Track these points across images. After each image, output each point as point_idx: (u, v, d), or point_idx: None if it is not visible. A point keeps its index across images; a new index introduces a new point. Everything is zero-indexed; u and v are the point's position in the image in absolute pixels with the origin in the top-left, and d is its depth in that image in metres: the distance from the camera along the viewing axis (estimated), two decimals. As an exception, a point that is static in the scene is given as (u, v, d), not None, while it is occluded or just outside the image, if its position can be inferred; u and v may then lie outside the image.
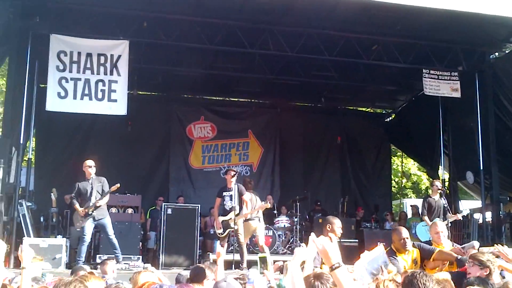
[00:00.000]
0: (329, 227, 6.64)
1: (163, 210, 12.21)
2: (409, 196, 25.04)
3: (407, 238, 6.44)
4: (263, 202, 11.21)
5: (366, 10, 11.68)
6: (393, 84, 16.06)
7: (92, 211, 10.08)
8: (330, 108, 18.29)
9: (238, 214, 10.71)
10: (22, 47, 11.53)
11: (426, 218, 11.46)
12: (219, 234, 10.99)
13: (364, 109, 19.87)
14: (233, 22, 12.40)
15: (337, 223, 6.69)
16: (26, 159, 12.93)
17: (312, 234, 3.60)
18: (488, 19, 11.31)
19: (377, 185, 18.62)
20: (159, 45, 13.09)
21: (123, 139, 15.79)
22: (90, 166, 10.43)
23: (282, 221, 13.56)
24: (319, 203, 15.51)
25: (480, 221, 14.15)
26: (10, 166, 11.22)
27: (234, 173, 11.07)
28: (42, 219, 12.69)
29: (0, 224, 10.61)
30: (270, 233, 12.83)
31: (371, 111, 20.02)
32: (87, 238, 10.19)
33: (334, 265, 3.20)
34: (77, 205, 10.23)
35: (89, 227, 10.15)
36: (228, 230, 10.78)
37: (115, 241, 10.23)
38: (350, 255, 6.77)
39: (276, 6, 11.77)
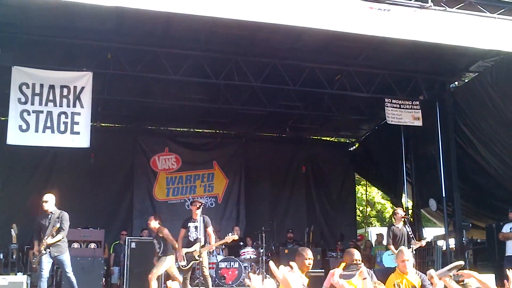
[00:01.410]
0: (298, 259, 6.51)
1: (127, 244, 11.97)
2: (373, 224, 25.22)
3: (359, 260, 6.42)
4: (230, 234, 11.10)
5: (329, 41, 11.82)
6: (357, 113, 16.21)
7: (45, 248, 9.75)
8: (295, 138, 18.40)
9: (203, 246, 10.55)
10: (-18, 80, 11.30)
11: (391, 247, 11.42)
12: (182, 266, 10.75)
13: (328, 138, 20.04)
14: (199, 52, 12.38)
15: (306, 255, 6.52)
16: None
17: (271, 263, 3.55)
18: (448, 49, 11.55)
19: (342, 213, 18.69)
20: (123, 76, 12.97)
21: (86, 172, 15.53)
22: (45, 201, 9.95)
23: (248, 252, 13.39)
24: (291, 230, 15.42)
25: (444, 248, 14.29)
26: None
27: (200, 204, 10.92)
28: (1, 255, 12.29)
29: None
30: (236, 265, 12.67)
31: (336, 140, 20.21)
32: (44, 273, 9.67)
33: None
34: (35, 242, 9.82)
35: (45, 262, 9.68)
36: (192, 262, 10.60)
37: (73, 279, 9.80)
38: (316, 285, 6.68)
39: (241, 37, 11.83)
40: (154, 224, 10.96)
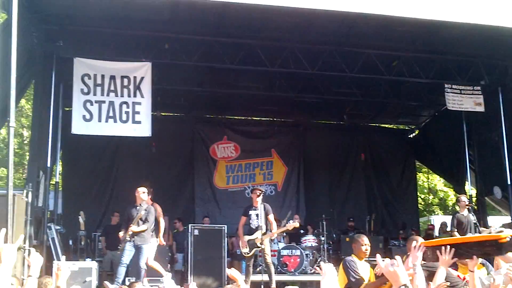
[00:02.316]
0: (354, 246, 6.53)
1: (190, 231, 12.19)
2: (436, 212, 24.77)
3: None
4: (291, 221, 11.17)
5: (386, 26, 11.65)
6: (416, 99, 15.98)
7: (130, 237, 10.14)
8: (353, 125, 18.25)
9: (265, 233, 10.66)
10: (47, 71, 11.71)
11: (456, 233, 11.23)
12: (244, 253, 10.90)
13: (387, 125, 19.79)
14: (254, 41, 12.47)
15: (361, 241, 6.52)
16: (54, 182, 13.06)
17: (378, 255, 3.58)
18: (510, 32, 11.21)
19: (403, 202, 18.44)
20: (181, 66, 13.22)
21: (147, 161, 15.89)
22: (139, 192, 10.45)
23: (309, 240, 13.47)
24: (351, 219, 15.39)
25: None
26: (38, 190, 11.32)
27: (260, 192, 11.04)
28: (70, 242, 12.75)
29: (30, 248, 10.66)
30: (297, 252, 12.72)
31: (395, 127, 19.93)
32: (124, 260, 10.15)
33: (401, 286, 3.15)
34: (123, 231, 10.33)
35: (127, 250, 10.15)
36: (254, 249, 10.72)
37: (142, 271, 10.18)
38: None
39: (296, 24, 11.82)
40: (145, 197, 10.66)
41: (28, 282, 4.16)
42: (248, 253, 10.80)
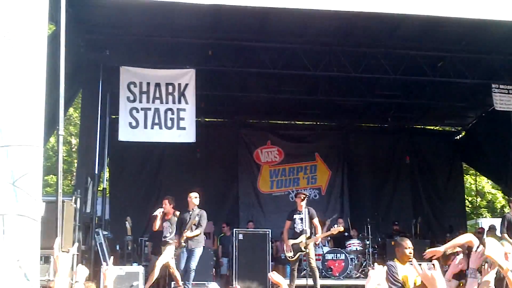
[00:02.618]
0: (398, 250, 6.44)
1: (234, 235, 12.25)
2: (484, 215, 24.25)
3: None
4: (336, 225, 11.12)
5: (429, 27, 11.51)
6: (462, 100, 15.69)
7: (185, 242, 10.26)
8: (397, 128, 18.04)
9: (309, 237, 10.63)
10: (94, 80, 11.94)
11: (505, 235, 10.96)
12: (289, 257, 10.89)
13: (432, 127, 19.50)
14: (296, 45, 12.45)
15: (405, 244, 6.43)
16: (101, 189, 13.28)
17: (414, 260, 3.54)
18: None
19: (450, 204, 18.14)
20: (224, 72, 13.32)
21: (192, 166, 16.04)
22: (191, 197, 10.63)
23: (354, 244, 13.37)
24: (396, 223, 15.22)
25: None
26: (86, 196, 11.53)
27: (304, 196, 11.01)
28: (117, 247, 12.95)
29: (79, 253, 10.87)
30: (342, 256, 12.65)
31: (440, 129, 19.61)
32: (181, 266, 10.33)
33: None
34: (176, 237, 10.47)
35: (182, 256, 10.34)
36: (299, 253, 10.70)
37: (192, 273, 10.24)
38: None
39: (338, 27, 11.78)
40: (168, 207, 10.76)
41: (55, 282, 4.25)
42: (292, 257, 10.78)
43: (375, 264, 3.88)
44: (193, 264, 10.22)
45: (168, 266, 10.52)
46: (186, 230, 10.20)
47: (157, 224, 10.55)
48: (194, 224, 10.32)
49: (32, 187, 7.00)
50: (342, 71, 13.11)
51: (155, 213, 10.57)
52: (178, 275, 10.36)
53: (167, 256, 10.45)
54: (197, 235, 10.28)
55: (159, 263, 10.40)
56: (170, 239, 10.53)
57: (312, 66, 12.79)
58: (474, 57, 13.08)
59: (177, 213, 10.67)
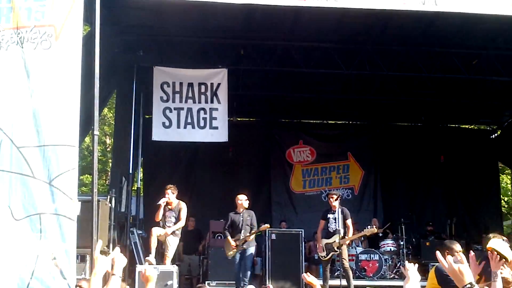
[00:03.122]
0: (447, 253, 6.33)
1: (267, 235, 12.25)
2: (520, 215, 23.82)
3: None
4: (369, 227, 11.06)
5: (464, 24, 11.35)
6: (497, 99, 15.43)
7: (242, 244, 10.34)
8: (431, 127, 17.82)
9: (342, 238, 10.58)
10: (128, 80, 12.10)
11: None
12: (321, 257, 10.89)
13: (467, 126, 19.22)
14: (328, 44, 12.42)
15: (456, 248, 6.33)
16: (135, 188, 13.42)
17: (437, 252, 3.51)
18: None
19: (486, 204, 17.82)
20: (256, 71, 13.34)
21: (225, 166, 16.09)
22: (241, 199, 10.71)
23: (388, 244, 13.21)
24: (431, 223, 15.04)
25: None
26: (121, 196, 11.68)
27: (337, 196, 10.99)
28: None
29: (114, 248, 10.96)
30: (376, 257, 12.52)
31: (475, 128, 19.32)
32: (237, 267, 10.51)
33: (466, 285, 3.07)
34: (229, 237, 10.53)
35: (237, 257, 10.49)
36: (332, 253, 10.68)
37: (249, 273, 10.43)
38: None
39: (371, 26, 11.69)
40: (172, 197, 10.57)
41: (112, 280, 4.26)
42: (325, 257, 10.77)
43: (406, 262, 3.85)
44: (249, 263, 10.45)
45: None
46: (242, 234, 10.33)
47: (160, 214, 10.39)
48: (247, 225, 10.43)
49: (68, 187, 7.15)
50: (375, 70, 13.01)
51: (159, 202, 10.44)
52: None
53: (173, 248, 10.39)
54: (253, 234, 10.46)
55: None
56: (174, 228, 10.37)
57: (344, 65, 12.74)
58: (510, 55, 12.84)
59: (182, 203, 10.61)
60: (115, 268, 4.16)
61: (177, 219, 10.37)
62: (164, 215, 10.39)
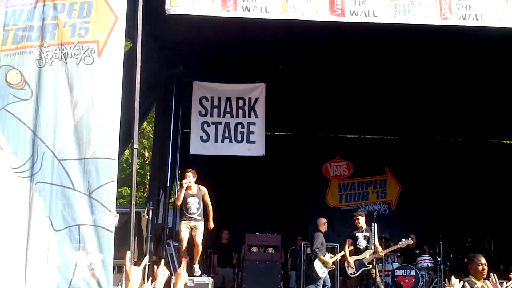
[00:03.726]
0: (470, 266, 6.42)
1: (302, 249, 12.24)
2: None
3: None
4: (404, 240, 11.04)
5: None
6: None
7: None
8: (471, 142, 17.55)
9: (373, 253, 10.60)
10: (167, 95, 12.28)
11: None
12: (350, 274, 10.94)
13: (508, 141, 18.86)
14: (367, 58, 12.38)
15: (480, 260, 6.39)
16: (172, 201, 13.55)
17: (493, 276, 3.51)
18: None
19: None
20: (294, 86, 13.37)
21: (262, 180, 16.12)
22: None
23: (425, 260, 13.05)
24: (469, 240, 14.80)
25: None
26: (158, 208, 11.80)
27: (357, 217, 11.26)
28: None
29: (150, 263, 11.11)
30: (413, 273, 12.36)
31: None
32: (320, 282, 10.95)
33: None
34: (321, 256, 11.06)
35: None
36: (362, 269, 10.69)
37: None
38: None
39: (412, 39, 11.58)
40: (192, 180, 10.40)
41: None
42: (354, 274, 10.80)
43: (452, 277, 3.83)
44: None
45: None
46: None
47: (181, 197, 10.31)
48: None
49: (107, 199, 7.30)
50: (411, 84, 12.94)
51: (184, 182, 10.35)
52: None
53: (200, 237, 10.29)
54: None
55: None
56: (198, 215, 10.34)
57: (382, 79, 12.68)
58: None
59: (202, 187, 10.56)
60: (158, 282, 4.27)
61: (203, 205, 10.37)
62: (186, 201, 10.31)
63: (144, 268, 7.94)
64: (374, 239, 10.72)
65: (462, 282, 5.72)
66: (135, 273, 4.21)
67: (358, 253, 10.84)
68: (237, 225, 14.76)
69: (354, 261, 10.82)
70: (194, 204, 10.33)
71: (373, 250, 10.60)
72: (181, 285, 4.49)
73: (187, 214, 10.29)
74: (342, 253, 11.20)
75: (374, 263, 10.55)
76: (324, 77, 12.81)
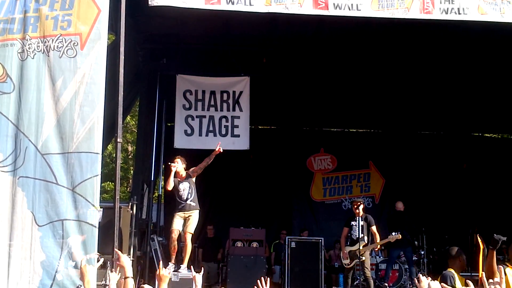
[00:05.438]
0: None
1: (287, 243, 12.25)
2: (545, 226, 23.42)
3: None
4: (394, 233, 11.07)
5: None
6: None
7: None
8: (453, 135, 17.66)
9: (366, 245, 10.62)
10: (151, 89, 12.19)
11: None
12: (345, 264, 10.94)
13: (490, 135, 19.01)
14: (350, 52, 12.38)
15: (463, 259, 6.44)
16: (156, 195, 13.48)
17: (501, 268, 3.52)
18: None
19: (510, 214, 17.57)
20: (277, 79, 13.34)
21: (246, 174, 16.10)
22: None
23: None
24: (452, 233, 14.89)
25: None
26: (142, 203, 11.74)
27: (359, 203, 11.07)
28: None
29: (134, 258, 11.06)
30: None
31: (499, 136, 19.09)
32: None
33: None
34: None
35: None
36: (355, 261, 10.70)
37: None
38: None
39: (401, 34, 11.60)
40: (181, 166, 10.42)
41: (129, 283, 4.36)
42: (348, 264, 10.82)
43: (420, 275, 3.83)
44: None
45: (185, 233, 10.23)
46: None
47: (170, 183, 10.23)
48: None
49: (90, 193, 7.23)
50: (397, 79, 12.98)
51: (172, 165, 10.29)
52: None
53: (192, 228, 10.23)
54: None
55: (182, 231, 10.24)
56: (192, 201, 10.26)
57: (365, 73, 12.70)
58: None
59: (190, 170, 10.53)
60: (127, 271, 4.29)
61: (196, 191, 10.36)
62: (177, 189, 10.25)
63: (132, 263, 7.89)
64: (363, 231, 10.78)
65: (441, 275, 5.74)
66: (90, 272, 4.29)
67: (352, 243, 10.88)
68: (221, 219, 14.73)
69: (348, 252, 10.86)
70: (185, 190, 10.27)
71: (365, 242, 10.68)
72: (165, 286, 4.48)
73: (181, 202, 10.21)
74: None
75: (365, 255, 10.61)
76: (308, 71, 12.79)
